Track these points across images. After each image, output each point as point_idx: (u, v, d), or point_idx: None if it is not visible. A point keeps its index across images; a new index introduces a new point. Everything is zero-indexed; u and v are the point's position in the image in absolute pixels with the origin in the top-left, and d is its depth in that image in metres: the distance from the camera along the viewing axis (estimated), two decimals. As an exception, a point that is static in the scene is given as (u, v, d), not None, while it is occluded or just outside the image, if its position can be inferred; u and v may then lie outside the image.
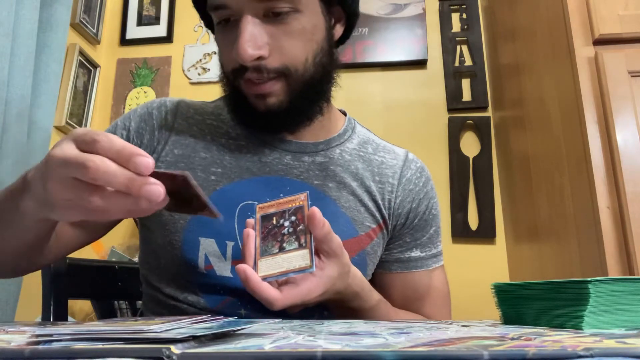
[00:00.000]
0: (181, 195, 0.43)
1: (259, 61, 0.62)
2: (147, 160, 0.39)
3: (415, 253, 0.76)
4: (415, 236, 0.76)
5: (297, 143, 0.73)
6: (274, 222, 0.55)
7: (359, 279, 0.62)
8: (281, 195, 0.67)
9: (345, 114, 0.81)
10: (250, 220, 0.57)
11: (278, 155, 0.72)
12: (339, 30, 0.72)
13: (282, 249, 0.53)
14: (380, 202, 0.74)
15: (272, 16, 0.62)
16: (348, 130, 0.78)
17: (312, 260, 0.51)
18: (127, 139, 0.72)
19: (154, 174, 0.40)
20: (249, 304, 0.67)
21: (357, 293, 0.61)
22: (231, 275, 0.67)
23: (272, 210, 0.56)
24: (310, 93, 0.67)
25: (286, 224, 0.54)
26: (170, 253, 0.68)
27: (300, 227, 0.53)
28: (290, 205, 0.55)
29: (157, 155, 0.71)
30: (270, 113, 0.65)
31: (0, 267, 0.64)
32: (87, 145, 0.40)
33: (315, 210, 0.53)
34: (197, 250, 0.67)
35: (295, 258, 0.52)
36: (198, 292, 0.68)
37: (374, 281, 0.77)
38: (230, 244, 0.67)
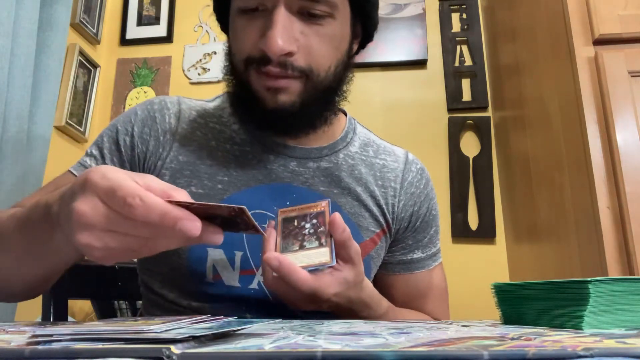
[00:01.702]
0: (227, 218, 0.43)
1: (286, 57, 0.60)
2: (195, 225, 0.38)
3: (417, 254, 0.76)
4: (417, 238, 0.76)
5: (301, 149, 0.71)
6: (295, 224, 0.56)
7: (369, 289, 0.62)
8: (287, 203, 0.68)
9: (345, 113, 0.80)
10: (272, 222, 0.57)
11: (283, 161, 0.70)
12: (354, 48, 0.72)
13: (302, 247, 0.54)
14: (384, 206, 0.73)
15: (306, 15, 0.61)
16: (349, 132, 0.77)
17: (332, 257, 0.53)
18: (132, 146, 0.70)
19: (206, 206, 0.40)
20: (254, 310, 0.66)
21: (368, 304, 0.62)
22: (239, 285, 0.66)
23: (293, 214, 0.57)
24: (322, 101, 0.66)
25: (307, 225, 0.56)
26: (175, 262, 0.66)
27: (321, 229, 0.55)
28: (312, 210, 0.57)
29: (162, 162, 0.69)
30: (278, 112, 0.63)
31: (21, 292, 0.61)
32: (118, 207, 0.38)
33: (337, 215, 0.54)
34: (205, 261, 0.65)
35: (316, 255, 0.53)
36: (203, 300, 0.67)
37: (375, 282, 0.77)
38: (238, 254, 0.66)
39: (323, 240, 0.54)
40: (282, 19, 0.59)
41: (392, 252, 0.76)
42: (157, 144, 0.70)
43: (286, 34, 0.59)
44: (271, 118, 0.64)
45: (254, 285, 0.66)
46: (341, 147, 0.75)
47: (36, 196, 0.66)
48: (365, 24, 0.70)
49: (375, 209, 0.73)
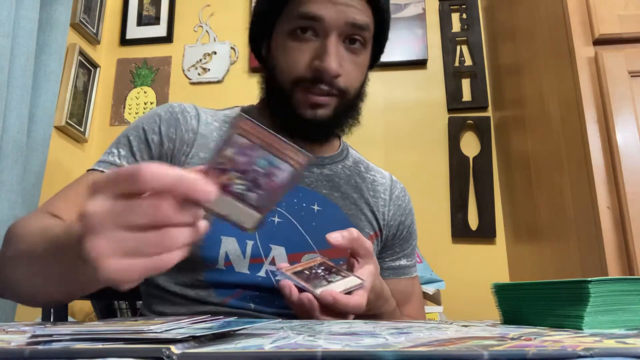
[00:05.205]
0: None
1: (335, 78, 0.72)
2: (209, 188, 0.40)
3: (403, 262, 0.86)
4: (403, 247, 0.86)
5: None
6: (307, 273, 0.60)
7: (381, 281, 0.68)
8: (295, 200, 0.75)
9: (339, 137, 0.90)
10: (282, 281, 0.59)
11: None
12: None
13: (329, 282, 0.59)
14: (376, 212, 0.83)
15: (347, 43, 0.74)
16: (344, 150, 0.88)
17: (360, 278, 0.60)
18: (160, 143, 0.74)
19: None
20: (258, 298, 0.70)
21: (387, 296, 0.68)
22: (248, 272, 0.70)
23: (299, 268, 0.61)
24: (345, 115, 0.78)
25: (319, 271, 0.61)
26: (188, 251, 0.68)
27: (334, 269, 0.61)
28: (314, 263, 0.63)
29: (185, 157, 0.74)
30: (314, 122, 0.73)
31: (46, 299, 0.64)
32: (127, 183, 0.35)
33: (353, 230, 0.61)
34: (219, 248, 0.69)
35: (346, 282, 0.59)
36: (211, 287, 0.70)
37: None
38: (250, 243, 0.71)
39: (343, 273, 0.60)
40: (336, 46, 0.72)
41: (382, 258, 0.84)
42: (182, 142, 0.75)
43: (339, 59, 0.72)
44: (306, 128, 0.75)
45: (262, 273, 0.71)
46: (339, 159, 0.85)
47: (61, 198, 0.68)
48: (376, 56, 0.84)
49: (369, 214, 0.82)
